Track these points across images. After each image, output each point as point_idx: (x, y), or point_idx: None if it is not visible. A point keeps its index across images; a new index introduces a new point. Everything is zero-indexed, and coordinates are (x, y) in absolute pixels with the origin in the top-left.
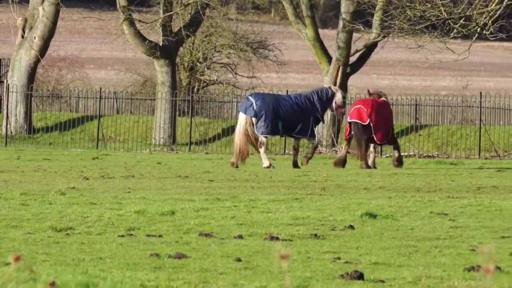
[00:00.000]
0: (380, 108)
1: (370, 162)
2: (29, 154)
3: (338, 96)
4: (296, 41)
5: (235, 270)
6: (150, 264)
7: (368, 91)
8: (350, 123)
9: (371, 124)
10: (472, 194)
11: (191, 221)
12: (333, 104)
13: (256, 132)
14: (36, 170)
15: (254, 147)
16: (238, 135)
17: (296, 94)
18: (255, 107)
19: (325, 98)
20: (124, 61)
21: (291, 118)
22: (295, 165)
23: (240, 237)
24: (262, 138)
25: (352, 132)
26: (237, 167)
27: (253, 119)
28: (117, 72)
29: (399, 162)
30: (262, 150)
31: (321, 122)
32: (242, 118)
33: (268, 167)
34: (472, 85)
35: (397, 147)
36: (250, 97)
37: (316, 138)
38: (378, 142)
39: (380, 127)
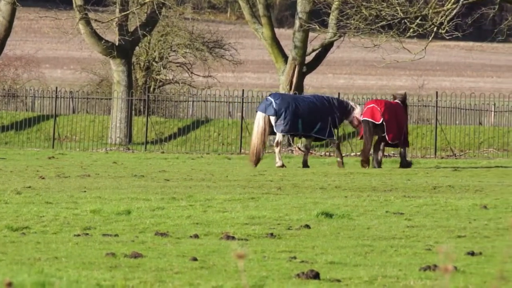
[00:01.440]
0: (393, 109)
1: (375, 161)
2: None
3: (358, 111)
4: (252, 40)
5: (191, 270)
6: (106, 263)
7: (393, 95)
8: (362, 121)
9: (384, 123)
10: (428, 194)
11: (147, 221)
12: (353, 118)
13: (275, 130)
14: None
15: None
16: (256, 135)
17: (315, 95)
18: (274, 106)
19: (345, 109)
20: (80, 61)
21: (310, 117)
22: (305, 164)
23: (196, 236)
24: (279, 137)
25: (362, 130)
26: (255, 166)
27: (272, 118)
28: (73, 72)
29: (403, 165)
30: (277, 149)
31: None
32: (260, 117)
33: (281, 166)
34: (428, 85)
35: (404, 151)
36: (269, 97)
37: (335, 137)
38: (389, 142)
39: (393, 127)
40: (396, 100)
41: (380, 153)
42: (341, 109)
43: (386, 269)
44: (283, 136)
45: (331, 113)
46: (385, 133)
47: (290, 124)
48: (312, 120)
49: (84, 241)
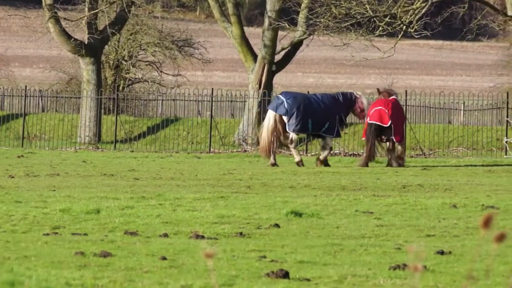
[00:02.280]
0: (397, 109)
1: (396, 159)
2: None
3: (363, 101)
4: (222, 39)
5: (160, 269)
6: (75, 262)
7: (378, 89)
8: (368, 124)
9: (392, 126)
10: (397, 193)
11: (116, 220)
12: (357, 108)
13: (287, 129)
14: None
15: (281, 144)
16: (267, 133)
17: (322, 94)
18: (286, 105)
19: (350, 101)
20: (50, 59)
21: (319, 117)
22: (326, 163)
23: (166, 235)
24: (292, 135)
25: (366, 131)
26: (276, 165)
27: (284, 117)
28: (43, 70)
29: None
30: (292, 146)
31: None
32: (271, 115)
33: (298, 162)
34: (398, 83)
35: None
36: (280, 96)
37: (331, 140)
38: (397, 143)
39: (399, 128)
40: (392, 97)
41: (394, 153)
42: (346, 102)
43: (355, 268)
44: (296, 135)
45: (338, 111)
46: (393, 136)
47: (301, 124)
48: (321, 120)
49: (54, 240)
